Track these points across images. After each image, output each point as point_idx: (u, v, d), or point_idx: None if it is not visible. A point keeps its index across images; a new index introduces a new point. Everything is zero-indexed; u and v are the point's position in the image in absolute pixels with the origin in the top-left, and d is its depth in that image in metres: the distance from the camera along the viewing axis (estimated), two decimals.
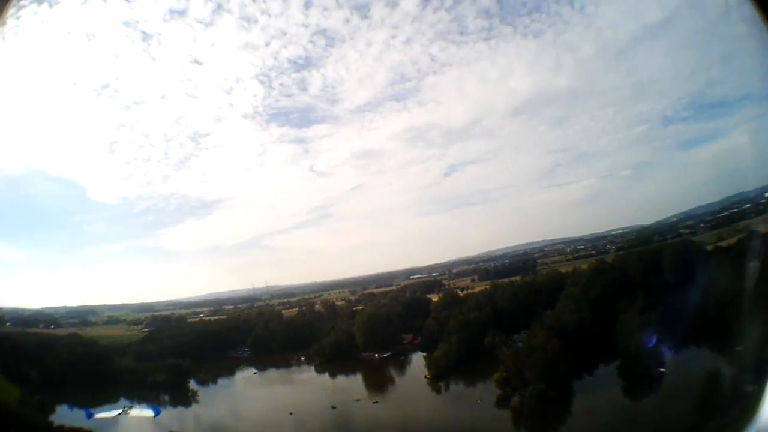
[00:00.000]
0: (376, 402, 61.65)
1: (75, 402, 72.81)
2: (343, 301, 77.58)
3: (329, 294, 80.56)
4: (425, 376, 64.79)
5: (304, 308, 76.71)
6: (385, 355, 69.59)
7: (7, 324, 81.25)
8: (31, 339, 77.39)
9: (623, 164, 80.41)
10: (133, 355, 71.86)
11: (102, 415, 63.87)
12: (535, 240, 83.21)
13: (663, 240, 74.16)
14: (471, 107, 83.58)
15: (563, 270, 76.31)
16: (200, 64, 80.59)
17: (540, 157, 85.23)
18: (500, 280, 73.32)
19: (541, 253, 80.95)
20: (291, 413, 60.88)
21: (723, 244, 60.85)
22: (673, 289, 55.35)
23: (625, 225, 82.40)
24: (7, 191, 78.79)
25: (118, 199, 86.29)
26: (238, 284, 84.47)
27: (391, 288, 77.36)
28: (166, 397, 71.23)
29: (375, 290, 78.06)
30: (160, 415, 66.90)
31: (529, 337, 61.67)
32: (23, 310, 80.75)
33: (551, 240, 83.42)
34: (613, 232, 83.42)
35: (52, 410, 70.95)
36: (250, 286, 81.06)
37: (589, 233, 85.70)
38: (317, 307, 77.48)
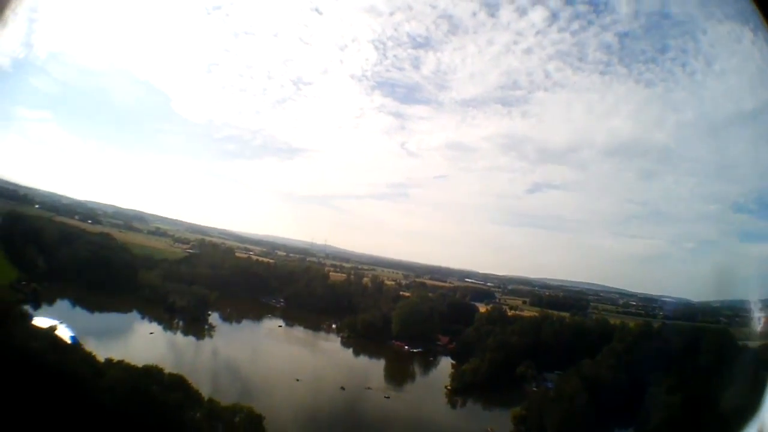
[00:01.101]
0: (388, 397, 62.46)
1: (80, 302, 73.61)
2: (393, 282, 77.83)
3: (382, 271, 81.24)
4: (446, 387, 65.70)
5: (352, 277, 76.11)
6: (415, 350, 70.79)
7: (36, 206, 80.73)
8: (55, 227, 77.84)
9: (690, 235, 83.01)
10: (163, 273, 70.42)
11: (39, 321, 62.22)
12: (591, 281, 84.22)
13: (705, 321, 75.59)
14: (571, 133, 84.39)
15: (611, 321, 76.90)
16: (320, 13, 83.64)
17: (620, 204, 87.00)
18: (550, 311, 73.40)
19: (595, 297, 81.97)
20: (297, 380, 61.60)
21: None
22: (703, 374, 57.74)
23: (675, 295, 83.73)
24: (88, 83, 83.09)
25: (203, 119, 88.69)
26: (299, 235, 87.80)
27: (443, 284, 77.95)
28: (180, 323, 70.55)
29: (427, 281, 78.57)
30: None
31: (561, 381, 62.48)
32: (63, 197, 79.51)
33: (606, 287, 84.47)
34: (663, 298, 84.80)
35: (42, 302, 70.96)
36: (310, 240, 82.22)
37: (641, 291, 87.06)
38: (365, 280, 77.11)
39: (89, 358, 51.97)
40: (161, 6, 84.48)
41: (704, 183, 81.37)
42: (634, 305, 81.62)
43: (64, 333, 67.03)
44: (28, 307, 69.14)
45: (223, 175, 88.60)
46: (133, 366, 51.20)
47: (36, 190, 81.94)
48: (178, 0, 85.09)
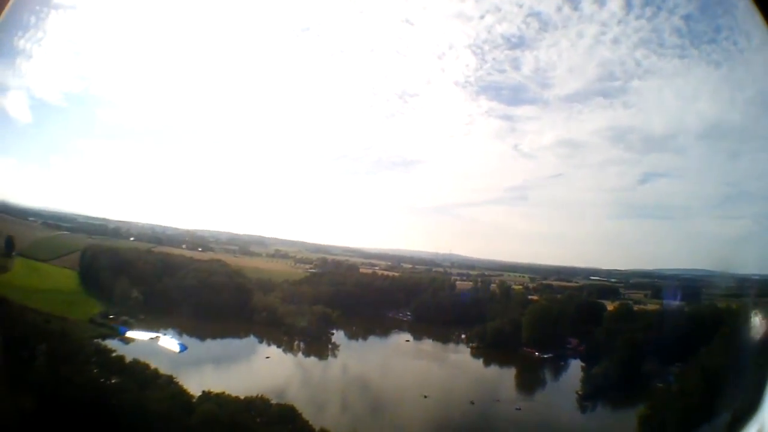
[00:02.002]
0: (519, 408, 62.63)
1: (189, 330, 73.29)
2: (521, 286, 78.68)
3: (508, 275, 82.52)
4: (577, 392, 66.24)
5: (479, 284, 76.88)
6: (545, 356, 71.70)
7: (131, 239, 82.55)
8: (154, 257, 79.15)
9: None
10: (282, 295, 70.83)
11: (136, 334, 66.95)
12: (698, 267, 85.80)
13: None
14: (667, 120, 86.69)
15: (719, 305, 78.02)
16: (411, 24, 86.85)
17: (716, 186, 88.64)
18: (669, 302, 74.54)
19: (703, 282, 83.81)
20: (425, 396, 61.87)
21: None
22: None
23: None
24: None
25: (315, 139, 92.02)
26: (423, 246, 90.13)
27: (569, 284, 79.35)
28: (301, 345, 70.44)
29: (554, 282, 79.90)
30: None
31: (680, 374, 63.36)
32: (168, 228, 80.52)
33: (709, 271, 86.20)
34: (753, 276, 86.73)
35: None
36: (434, 251, 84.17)
37: (736, 272, 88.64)
38: (493, 286, 77.88)
39: (180, 393, 50.96)
40: (250, 32, 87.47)
41: None
42: (733, 287, 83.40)
43: (171, 343, 68.70)
44: (110, 342, 70.21)
45: (342, 193, 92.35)
46: (233, 398, 50.31)
47: (131, 223, 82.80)
48: (263, 25, 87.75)
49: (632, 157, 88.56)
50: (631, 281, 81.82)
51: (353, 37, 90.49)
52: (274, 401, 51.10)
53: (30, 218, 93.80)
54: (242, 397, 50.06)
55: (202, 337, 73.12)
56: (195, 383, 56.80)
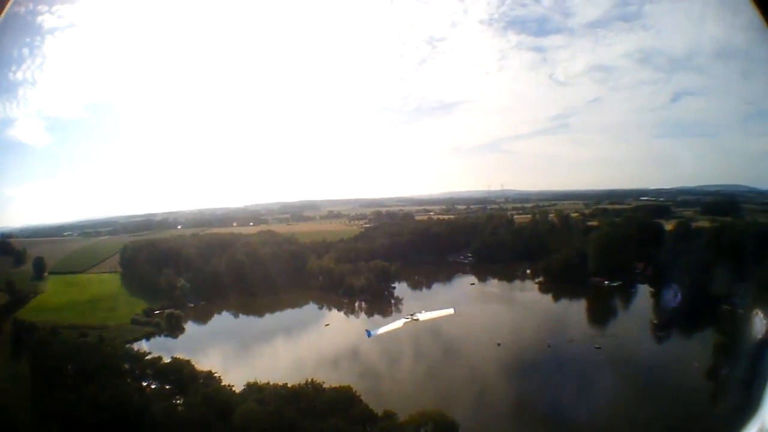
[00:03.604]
0: (599, 347, 54.64)
1: (242, 309, 65.41)
2: (577, 213, 71.86)
3: (562, 204, 76.25)
4: (651, 321, 58.89)
5: (537, 216, 70.69)
6: (614, 284, 64.61)
7: (178, 227, 77.79)
8: (198, 241, 72.77)
9: None
10: (337, 255, 63.18)
11: (384, 329, 57.34)
12: (737, 183, 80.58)
13: None
14: (683, 41, 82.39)
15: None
16: None
17: (737, 105, 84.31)
18: (723, 218, 67.80)
19: (743, 198, 77.98)
20: (499, 344, 54.79)
21: None
22: None
23: None
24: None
25: (354, 96, 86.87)
26: (475, 185, 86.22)
27: (622, 206, 72.83)
28: (363, 304, 62.42)
29: (608, 206, 73.43)
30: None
31: (747, 294, 55.50)
32: (220, 209, 74.61)
33: (746, 186, 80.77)
34: None
35: (183, 326, 63.91)
36: (486, 188, 78.42)
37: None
38: (551, 216, 71.29)
39: (218, 392, 43.85)
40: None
41: None
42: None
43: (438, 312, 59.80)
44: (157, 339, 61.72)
45: (388, 145, 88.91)
46: (279, 389, 42.76)
47: (177, 212, 76.91)
48: None
49: (661, 77, 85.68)
50: (678, 199, 75.42)
51: None
52: (327, 385, 43.39)
53: (65, 233, 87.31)
54: (290, 386, 42.71)
55: (259, 313, 65.91)
56: (247, 369, 52.07)
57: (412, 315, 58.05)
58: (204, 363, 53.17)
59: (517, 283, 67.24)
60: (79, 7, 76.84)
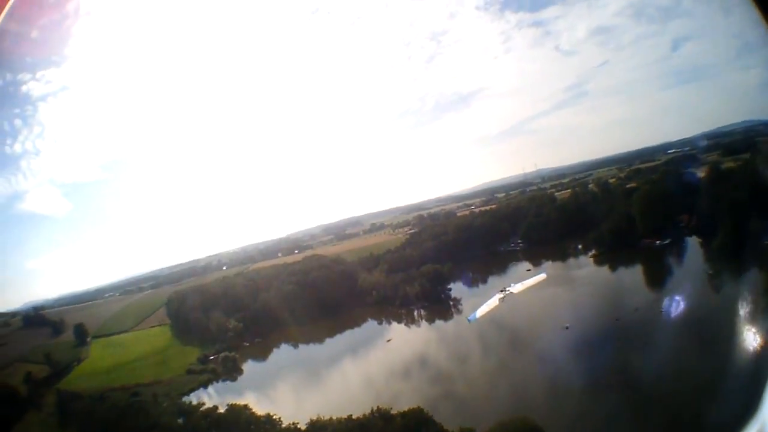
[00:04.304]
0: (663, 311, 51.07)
1: (300, 338, 62.35)
2: (614, 179, 68.80)
3: (598, 172, 73.26)
4: (708, 272, 55.37)
5: (577, 189, 67.96)
6: (665, 243, 61.12)
7: (223, 268, 74.02)
8: (249, 276, 69.57)
9: None
10: (387, 267, 60.09)
11: (482, 311, 55.25)
12: (749, 119, 78.09)
13: None
14: None
15: None
16: None
17: (729, 41, 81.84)
18: (743, 156, 64.65)
19: (754, 132, 75.58)
20: (567, 327, 51.85)
21: None
22: None
23: None
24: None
25: (373, 108, 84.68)
26: (509, 171, 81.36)
27: (654, 163, 69.75)
28: (422, 312, 59.32)
29: (641, 166, 70.19)
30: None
31: None
32: (263, 243, 74.87)
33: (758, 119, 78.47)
34: None
35: (236, 369, 60.76)
36: (521, 171, 76.13)
37: None
38: (591, 186, 68.40)
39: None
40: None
41: None
42: None
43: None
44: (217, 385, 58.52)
45: (418, 147, 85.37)
46: (344, 421, 39.35)
47: (221, 254, 74.14)
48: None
49: (657, 29, 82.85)
50: (701, 145, 72.72)
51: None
52: (395, 410, 40.13)
53: (107, 295, 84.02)
54: (355, 418, 39.72)
55: (318, 340, 62.73)
56: (314, 400, 49.81)
57: (504, 290, 56.24)
58: (267, 402, 50.91)
59: (572, 261, 63.75)
60: (67, 69, 73.54)
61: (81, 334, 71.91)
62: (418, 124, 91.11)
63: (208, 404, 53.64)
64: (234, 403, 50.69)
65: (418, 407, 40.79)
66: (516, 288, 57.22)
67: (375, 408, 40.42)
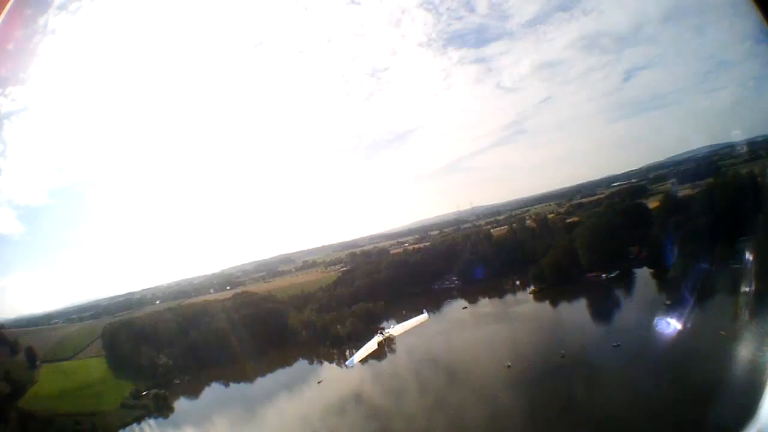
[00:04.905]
0: (617, 345, 47.72)
1: (232, 377, 58.16)
2: (553, 215, 64.73)
3: (535, 208, 69.07)
4: (665, 303, 51.31)
5: (514, 225, 63.58)
6: (612, 275, 57.47)
7: (156, 302, 69.82)
8: (175, 313, 65.09)
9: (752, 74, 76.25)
10: (317, 306, 55.55)
11: (359, 355, 52.83)
12: (707, 144, 74.39)
13: None
14: (628, 14, 76.10)
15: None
16: (358, 3, 75.40)
17: (695, 63, 78.35)
18: (704, 181, 61.03)
19: (717, 157, 71.70)
20: (509, 365, 48.16)
21: None
22: None
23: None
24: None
25: (307, 144, 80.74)
26: (443, 209, 78.64)
27: (596, 197, 65.95)
28: (353, 351, 55.81)
29: (582, 200, 66.22)
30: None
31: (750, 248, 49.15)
32: (197, 278, 70.29)
33: (718, 144, 74.57)
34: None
35: (172, 403, 57.25)
36: (456, 209, 73.11)
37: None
38: (528, 222, 64.58)
39: None
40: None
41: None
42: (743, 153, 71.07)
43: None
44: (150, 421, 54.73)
45: (351, 185, 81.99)
46: None
47: (155, 287, 70.41)
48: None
49: (610, 59, 79.95)
50: (650, 176, 69.05)
51: (309, 32, 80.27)
52: None
53: (53, 321, 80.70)
54: None
55: (248, 379, 58.64)
56: None
57: (381, 330, 53.91)
58: None
59: (510, 297, 59.96)
60: (32, 88, 69.67)
61: (31, 357, 70.50)
62: (355, 161, 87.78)
63: None
64: None
65: None
66: (396, 330, 54.05)
67: None
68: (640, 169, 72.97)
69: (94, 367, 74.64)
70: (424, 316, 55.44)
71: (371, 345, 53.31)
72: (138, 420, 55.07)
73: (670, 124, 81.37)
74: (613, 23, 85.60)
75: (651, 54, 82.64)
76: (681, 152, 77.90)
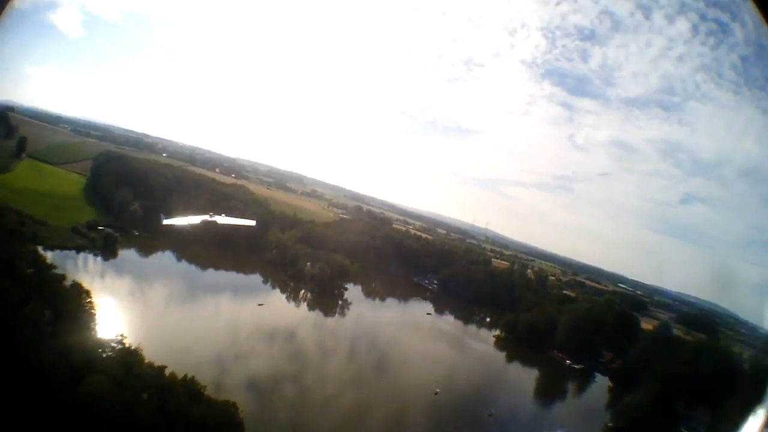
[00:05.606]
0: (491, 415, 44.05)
1: (189, 257, 55.59)
2: (554, 278, 61.20)
3: (540, 263, 65.88)
4: (607, 424, 47.69)
5: (516, 266, 59.65)
6: (576, 366, 53.82)
7: (163, 155, 68.02)
8: (171, 172, 61.89)
9: None
10: (301, 235, 55.42)
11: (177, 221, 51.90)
12: (717, 302, 71.12)
13: None
14: (716, 148, 74.82)
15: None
16: None
17: (746, 227, 76.13)
18: (698, 334, 58.45)
19: (719, 319, 68.42)
20: (437, 393, 44.06)
21: None
22: None
23: None
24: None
25: (372, 91, 79.26)
26: (460, 215, 75.95)
27: (599, 286, 63.11)
28: (308, 295, 52.16)
29: (585, 281, 62.82)
30: None
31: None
32: (211, 152, 69.50)
33: (727, 310, 71.28)
34: None
35: (117, 251, 53.16)
36: (471, 222, 69.03)
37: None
38: (529, 272, 61.17)
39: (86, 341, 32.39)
40: None
41: None
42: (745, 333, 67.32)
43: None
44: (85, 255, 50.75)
45: (390, 148, 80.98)
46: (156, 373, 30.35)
47: (170, 141, 68.91)
48: None
49: (678, 175, 78.83)
50: (655, 298, 65.76)
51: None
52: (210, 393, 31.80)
53: (61, 125, 77.99)
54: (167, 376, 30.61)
55: (202, 266, 55.39)
56: (158, 322, 41.70)
57: (211, 215, 52.19)
58: (109, 294, 42.53)
59: (473, 328, 56.94)
60: None
61: (21, 147, 66.56)
62: (407, 130, 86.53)
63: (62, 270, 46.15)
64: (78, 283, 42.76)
65: (232, 402, 31.25)
66: (222, 219, 50.88)
67: (188, 377, 30.36)
68: (648, 285, 71.06)
69: (71, 182, 71.31)
70: (252, 222, 52.61)
71: (193, 221, 51.22)
72: (79, 248, 50.93)
73: (697, 262, 78.30)
74: (698, 146, 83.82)
75: (714, 193, 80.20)
76: (692, 293, 75.20)
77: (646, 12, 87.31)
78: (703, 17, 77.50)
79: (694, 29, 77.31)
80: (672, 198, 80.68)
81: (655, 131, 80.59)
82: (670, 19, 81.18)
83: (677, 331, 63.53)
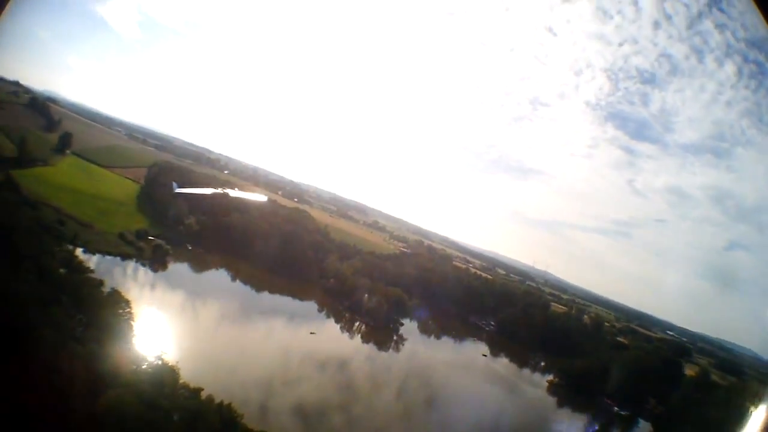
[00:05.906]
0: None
1: (244, 278, 53.79)
2: (609, 324, 60.26)
3: (595, 308, 63.75)
4: None
5: (573, 312, 58.07)
6: (623, 413, 52.81)
7: (225, 172, 67.80)
8: (231, 190, 60.68)
9: None
10: (361, 265, 54.57)
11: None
12: (750, 347, 70.17)
13: None
14: (758, 192, 72.69)
15: None
16: (554, 34, 72.84)
17: None
18: (730, 377, 57.31)
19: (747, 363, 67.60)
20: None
21: None
22: None
23: None
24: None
25: (438, 126, 78.19)
26: (520, 255, 76.47)
27: (650, 333, 61.84)
28: (362, 327, 51.19)
29: (637, 327, 61.62)
30: None
31: None
32: (275, 175, 68.96)
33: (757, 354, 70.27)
34: None
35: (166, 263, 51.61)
36: (531, 263, 67.22)
37: None
38: (585, 317, 59.21)
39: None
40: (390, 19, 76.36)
41: None
42: None
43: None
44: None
45: (454, 184, 77.96)
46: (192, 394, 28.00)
47: (234, 159, 67.04)
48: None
49: (725, 222, 77.15)
50: (698, 344, 64.66)
51: (496, 32, 78.33)
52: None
53: (114, 127, 76.34)
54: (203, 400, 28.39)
55: (257, 288, 54.25)
56: (208, 340, 40.16)
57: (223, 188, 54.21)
58: (159, 311, 41.13)
59: (527, 372, 55.31)
60: None
61: (64, 143, 64.20)
62: (470, 165, 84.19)
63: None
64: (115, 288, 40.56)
65: None
66: (234, 193, 51.74)
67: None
68: (693, 332, 69.82)
69: (123, 186, 69.82)
70: (263, 198, 53.28)
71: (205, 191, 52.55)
72: (125, 256, 49.02)
73: (737, 310, 76.83)
74: (742, 191, 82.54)
75: (755, 240, 78.69)
76: (729, 339, 74.02)
77: (699, 55, 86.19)
78: (745, 59, 76.63)
79: (739, 72, 76.76)
80: (716, 244, 79.91)
81: (706, 178, 79.95)
82: (720, 62, 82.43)
83: (715, 375, 64.35)
